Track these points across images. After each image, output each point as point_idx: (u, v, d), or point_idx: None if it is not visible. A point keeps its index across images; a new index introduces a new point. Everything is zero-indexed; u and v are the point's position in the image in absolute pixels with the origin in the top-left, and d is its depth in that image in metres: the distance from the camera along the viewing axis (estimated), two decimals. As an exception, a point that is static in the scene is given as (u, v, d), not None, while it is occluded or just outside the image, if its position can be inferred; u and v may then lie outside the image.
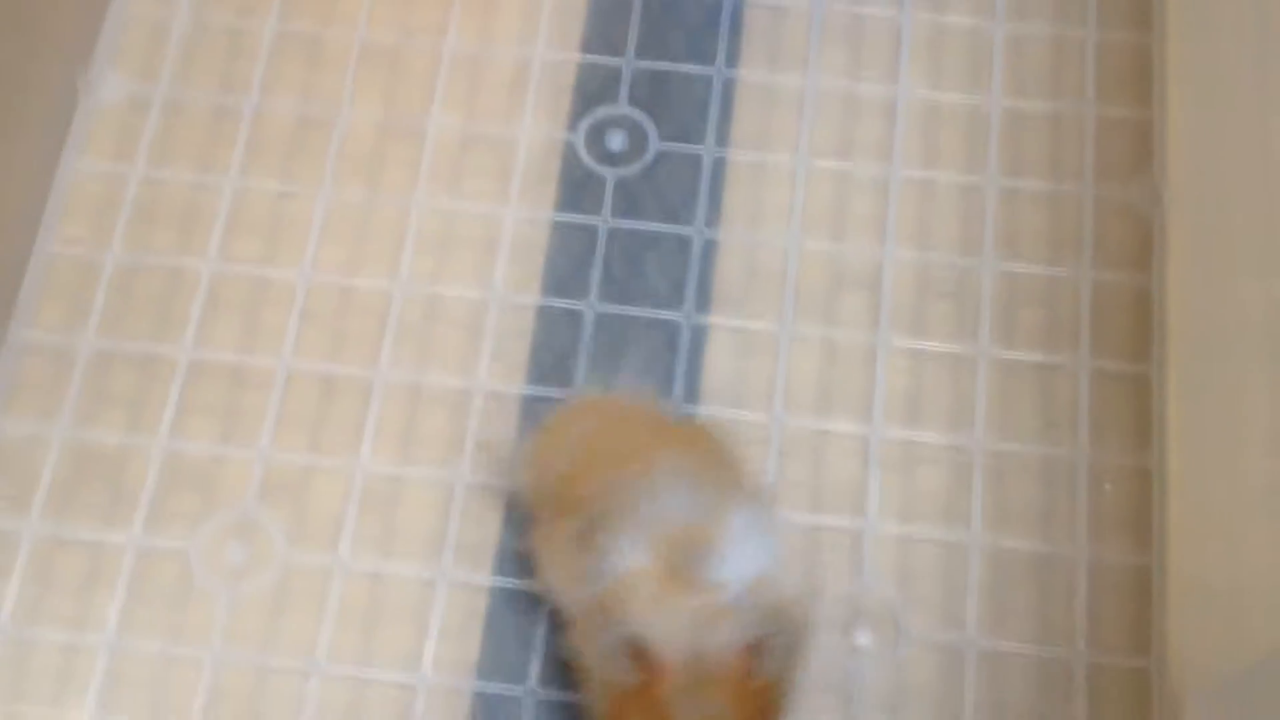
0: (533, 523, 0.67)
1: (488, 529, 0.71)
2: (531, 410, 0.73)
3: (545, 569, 0.64)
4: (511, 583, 0.70)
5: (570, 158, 0.79)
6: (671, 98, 0.80)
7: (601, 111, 0.80)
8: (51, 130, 0.78)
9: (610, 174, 0.79)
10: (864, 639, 0.69)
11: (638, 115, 0.80)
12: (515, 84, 0.80)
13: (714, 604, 0.57)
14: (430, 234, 0.77)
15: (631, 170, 0.79)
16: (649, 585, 0.58)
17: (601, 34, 0.82)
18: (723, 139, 0.79)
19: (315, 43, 0.81)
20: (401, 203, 0.77)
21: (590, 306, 0.75)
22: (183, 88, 0.80)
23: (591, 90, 0.80)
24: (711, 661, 0.56)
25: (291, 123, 0.79)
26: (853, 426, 0.73)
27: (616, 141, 0.79)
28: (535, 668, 0.68)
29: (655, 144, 0.79)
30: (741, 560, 0.58)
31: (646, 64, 0.81)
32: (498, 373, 0.74)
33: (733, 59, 0.81)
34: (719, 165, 0.79)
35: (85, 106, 0.79)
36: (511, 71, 0.81)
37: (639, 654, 0.56)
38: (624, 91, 0.80)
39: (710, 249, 0.77)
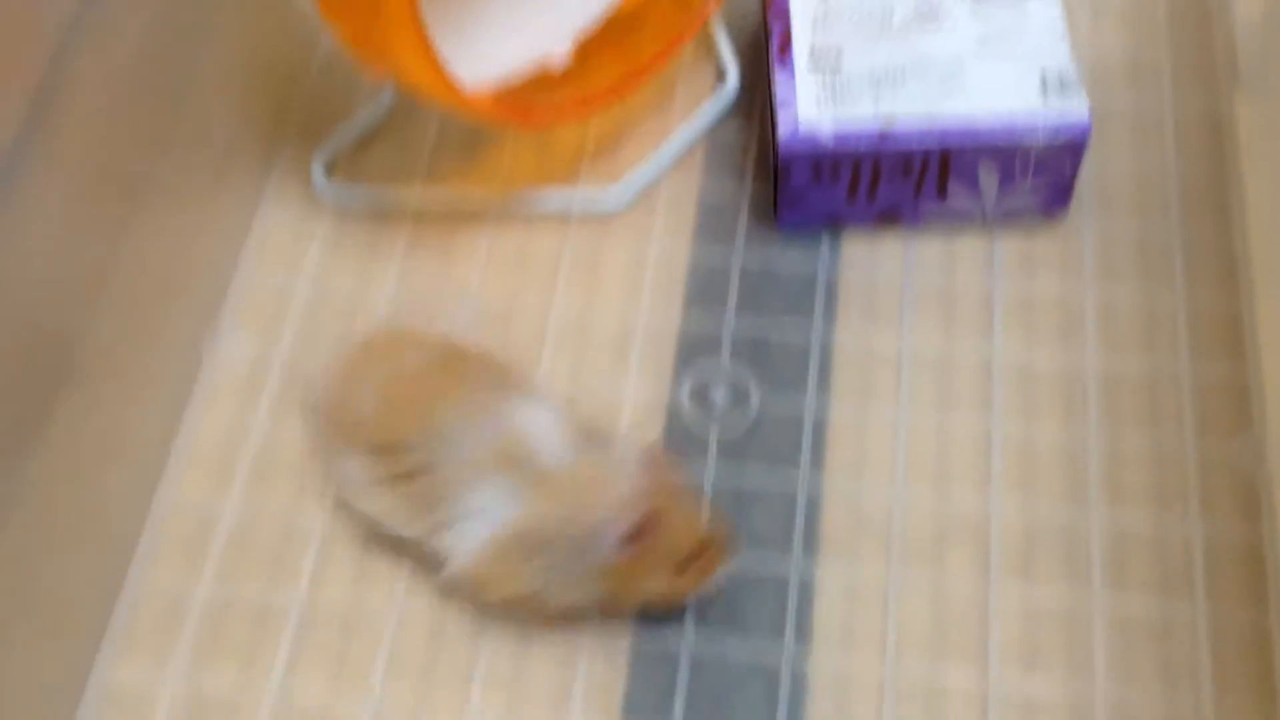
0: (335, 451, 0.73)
1: (600, 781, 0.69)
2: (641, 658, 0.72)
3: (369, 502, 0.71)
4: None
5: (675, 416, 0.81)
6: (772, 359, 0.82)
7: (704, 371, 0.82)
8: (176, 389, 0.81)
9: (714, 431, 0.80)
10: None
11: (740, 374, 0.82)
12: (619, 348, 0.83)
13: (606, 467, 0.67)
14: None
15: (735, 427, 0.80)
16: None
17: (702, 300, 0.85)
18: (823, 398, 0.81)
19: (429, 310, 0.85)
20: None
21: (696, 559, 0.75)
22: (303, 350, 0.83)
23: (693, 353, 0.83)
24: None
25: (406, 381, 0.82)
26: (968, 675, 0.72)
27: (720, 399, 0.81)
28: None
29: (757, 402, 0.81)
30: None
31: (746, 324, 0.83)
32: (604, 624, 0.73)
33: (830, 322, 0.84)
34: (820, 424, 0.80)
35: (209, 367, 0.83)
36: (615, 336, 0.84)
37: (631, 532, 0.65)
38: (725, 352, 0.83)
39: (813, 500, 0.77)
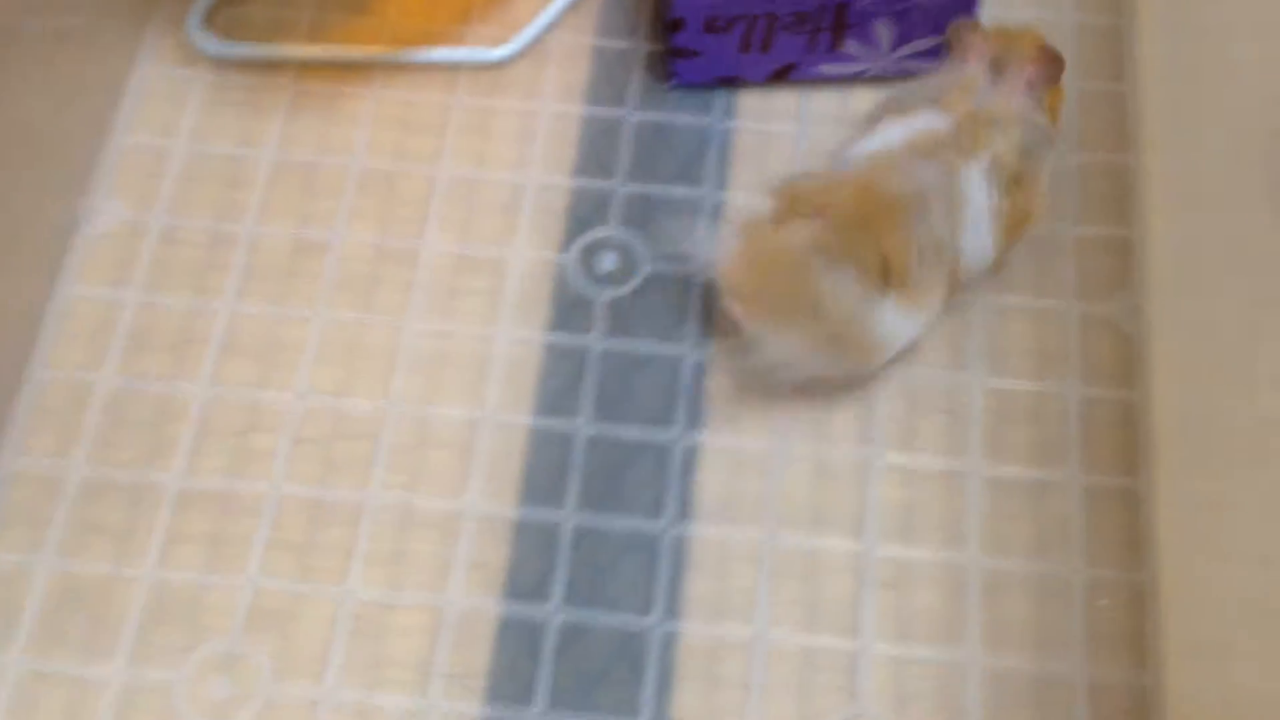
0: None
1: (478, 657, 0.70)
2: (525, 533, 0.73)
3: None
4: (501, 714, 0.69)
5: (561, 279, 0.79)
6: (662, 221, 0.81)
7: (593, 234, 0.81)
8: (48, 257, 0.79)
9: (601, 294, 0.79)
10: (859, 763, 0.68)
11: (629, 237, 0.81)
12: (508, 208, 0.81)
13: None
14: (422, 355, 0.77)
15: (623, 291, 0.79)
16: None
17: (593, 160, 0.83)
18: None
19: (312, 170, 0.82)
20: (394, 325, 0.78)
21: (581, 427, 0.75)
22: (180, 215, 0.81)
23: (583, 214, 0.81)
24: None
25: (287, 248, 0.80)
26: (846, 543, 0.73)
27: (608, 263, 0.80)
28: (524, 796, 0.67)
29: (646, 266, 0.80)
30: None
31: (637, 185, 0.82)
32: (489, 494, 0.73)
33: (722, 182, 0.82)
34: (710, 287, 0.79)
35: (83, 233, 0.80)
36: (504, 196, 0.82)
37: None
38: (615, 213, 0.81)
39: (700, 369, 0.77)
